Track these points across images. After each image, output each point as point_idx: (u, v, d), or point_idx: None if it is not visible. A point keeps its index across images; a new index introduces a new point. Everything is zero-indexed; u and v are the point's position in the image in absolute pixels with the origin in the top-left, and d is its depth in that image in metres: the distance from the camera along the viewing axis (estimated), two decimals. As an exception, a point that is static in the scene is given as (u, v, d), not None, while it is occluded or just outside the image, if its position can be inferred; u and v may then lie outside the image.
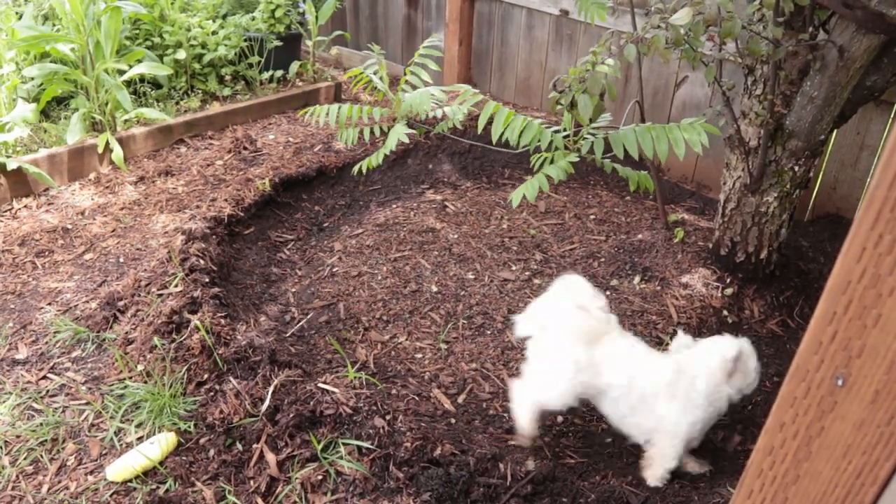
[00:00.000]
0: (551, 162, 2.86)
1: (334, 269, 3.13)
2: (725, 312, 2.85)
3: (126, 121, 4.04)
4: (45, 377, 2.44)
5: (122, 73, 4.06)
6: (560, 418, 2.39)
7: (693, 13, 2.25)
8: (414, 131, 3.91)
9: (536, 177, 2.63)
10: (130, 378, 2.40)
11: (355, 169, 3.63)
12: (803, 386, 0.78)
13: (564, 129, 2.99)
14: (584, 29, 4.16)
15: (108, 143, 3.80)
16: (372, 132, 4.03)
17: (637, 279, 3.00)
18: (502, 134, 2.81)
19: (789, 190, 2.74)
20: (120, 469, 2.04)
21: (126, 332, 2.60)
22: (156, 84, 4.56)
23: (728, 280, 2.96)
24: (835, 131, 2.82)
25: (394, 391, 2.45)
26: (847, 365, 0.73)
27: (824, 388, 0.76)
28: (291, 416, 2.10)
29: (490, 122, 2.84)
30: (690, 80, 3.72)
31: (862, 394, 0.74)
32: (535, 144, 2.83)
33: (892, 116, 3.12)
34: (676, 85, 3.78)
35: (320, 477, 2.00)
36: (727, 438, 2.37)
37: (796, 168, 2.68)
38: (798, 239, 3.33)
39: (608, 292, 2.94)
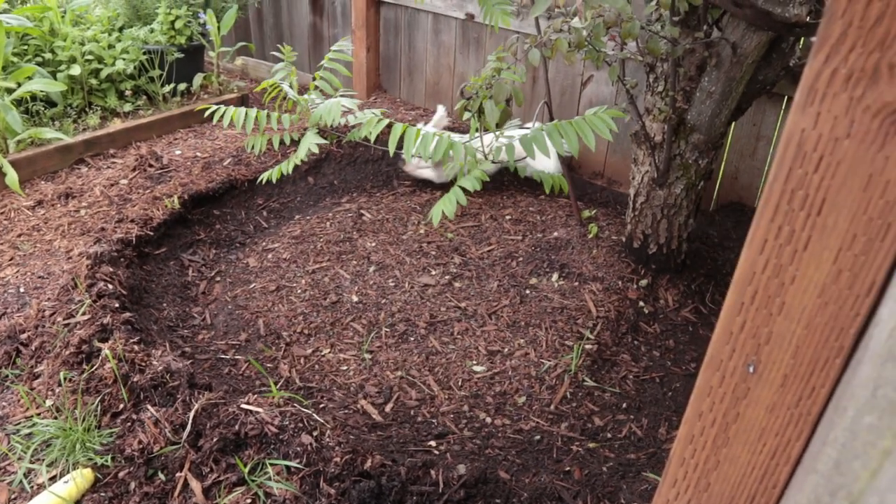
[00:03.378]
0: (465, 172, 2.87)
1: (251, 286, 3.06)
2: (642, 303, 2.93)
3: (19, 142, 3.83)
4: (-58, 420, 2.28)
5: (10, 91, 3.85)
6: (489, 419, 2.40)
7: (593, 15, 2.31)
8: (325, 141, 3.86)
9: (453, 190, 2.64)
10: (39, 415, 2.27)
11: (263, 177, 3.54)
12: (718, 375, 0.81)
13: (473, 137, 3.01)
14: (490, 32, 4.21)
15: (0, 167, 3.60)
16: (282, 142, 3.95)
17: (555, 276, 3.05)
18: (414, 151, 2.80)
19: (694, 182, 2.85)
20: (32, 512, 1.92)
21: (31, 367, 2.46)
22: (50, 102, 4.34)
23: (642, 272, 3.05)
24: (733, 124, 2.95)
25: (320, 406, 2.41)
26: (757, 352, 0.76)
27: (737, 375, 0.79)
28: (215, 440, 2.03)
29: (401, 141, 2.83)
30: (596, 78, 3.81)
31: (772, 379, 0.77)
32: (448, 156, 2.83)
33: (783, 108, 3.29)
34: (583, 84, 3.87)
35: (249, 501, 1.94)
36: (654, 427, 2.44)
37: (700, 160, 2.78)
38: (705, 228, 3.47)
39: (528, 291, 2.98)
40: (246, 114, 3.70)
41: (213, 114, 3.66)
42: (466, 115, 2.62)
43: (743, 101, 2.69)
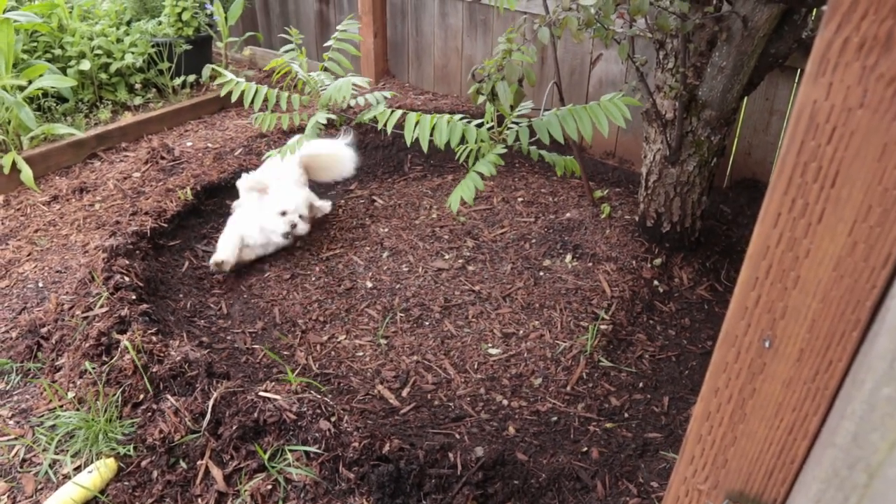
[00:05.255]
0: (477, 155, 2.85)
1: (265, 274, 3.07)
2: (656, 282, 2.92)
3: (33, 138, 3.85)
4: (-33, 414, 2.32)
5: (22, 88, 3.87)
6: (505, 401, 2.41)
7: (601, -8, 2.29)
8: (334, 116, 3.84)
9: (469, 176, 2.62)
10: (61, 407, 2.30)
11: (270, 153, 3.53)
12: (733, 351, 0.80)
13: (489, 121, 2.99)
14: (498, 14, 4.18)
15: (14, 164, 3.62)
16: (291, 121, 3.93)
17: (569, 257, 3.05)
18: (431, 139, 2.78)
19: (707, 158, 2.82)
20: (58, 503, 1.95)
21: (52, 360, 2.49)
22: (61, 98, 4.36)
23: (656, 251, 3.04)
24: (745, 99, 2.92)
25: (337, 391, 2.43)
26: (772, 327, 0.76)
27: (753, 351, 0.79)
28: (234, 427, 2.05)
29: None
30: (605, 57, 3.78)
31: (788, 353, 0.76)
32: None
33: (796, 81, 3.24)
34: (592, 63, 3.84)
35: (270, 486, 1.96)
36: (671, 406, 2.44)
37: (712, 137, 2.76)
38: (719, 205, 3.44)
39: (542, 273, 2.98)
40: (256, 90, 3.67)
41: (224, 85, 3.63)
42: (480, 99, 2.61)
43: (755, 76, 2.65)
